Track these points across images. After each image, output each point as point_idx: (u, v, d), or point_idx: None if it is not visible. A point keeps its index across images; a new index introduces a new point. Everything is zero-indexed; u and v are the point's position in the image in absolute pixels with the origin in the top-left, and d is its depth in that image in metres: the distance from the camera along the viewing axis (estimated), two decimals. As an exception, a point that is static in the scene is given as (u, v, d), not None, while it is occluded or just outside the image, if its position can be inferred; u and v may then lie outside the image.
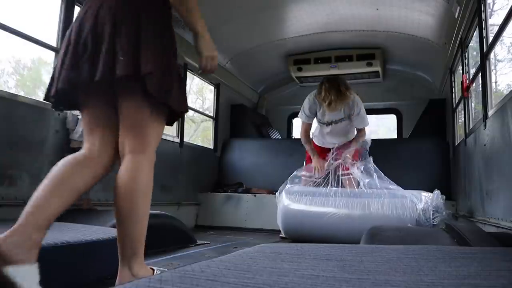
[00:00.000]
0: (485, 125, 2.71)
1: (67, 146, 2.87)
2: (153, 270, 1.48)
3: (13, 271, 1.11)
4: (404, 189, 3.12)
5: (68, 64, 1.37)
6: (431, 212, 2.81)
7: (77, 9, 2.99)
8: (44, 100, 1.52)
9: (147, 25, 1.40)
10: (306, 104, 3.50)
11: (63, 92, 1.41)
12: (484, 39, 2.76)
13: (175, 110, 1.47)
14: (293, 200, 3.20)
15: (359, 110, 3.38)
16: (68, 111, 2.78)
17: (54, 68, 1.46)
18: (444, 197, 2.94)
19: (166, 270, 1.40)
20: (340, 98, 3.22)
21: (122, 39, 1.35)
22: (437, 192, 2.94)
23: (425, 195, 2.94)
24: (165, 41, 1.45)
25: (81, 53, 1.37)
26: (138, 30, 1.38)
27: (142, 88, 1.35)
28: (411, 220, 2.82)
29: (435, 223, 2.79)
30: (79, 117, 2.73)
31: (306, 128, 3.61)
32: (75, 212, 2.71)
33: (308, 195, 3.20)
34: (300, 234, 3.14)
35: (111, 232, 1.74)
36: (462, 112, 3.75)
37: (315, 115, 3.52)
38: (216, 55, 1.55)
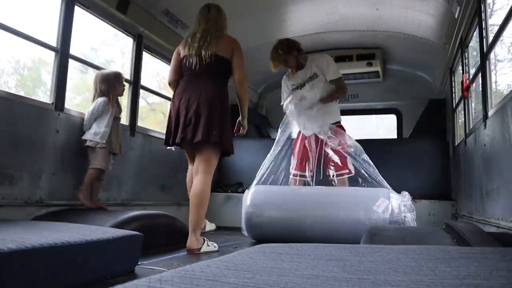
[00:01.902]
0: (485, 125, 2.71)
1: (67, 146, 2.88)
2: (204, 239, 2.56)
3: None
4: (403, 189, 3.09)
5: (180, 130, 2.53)
6: (398, 212, 2.78)
7: (77, 9, 2.99)
8: (165, 144, 2.69)
9: (226, 113, 2.59)
10: (282, 86, 3.70)
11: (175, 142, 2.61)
12: (484, 39, 2.75)
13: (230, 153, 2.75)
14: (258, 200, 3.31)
15: (325, 61, 3.48)
16: (86, 114, 2.97)
17: (168, 127, 2.67)
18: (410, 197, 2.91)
19: (166, 270, 1.40)
20: (283, 55, 3.52)
21: (214, 121, 2.50)
22: (405, 193, 2.94)
23: (393, 195, 2.89)
24: (229, 118, 2.64)
25: (187, 124, 2.52)
26: (223, 115, 2.55)
27: (223, 150, 2.64)
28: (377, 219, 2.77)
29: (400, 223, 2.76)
30: (106, 120, 2.94)
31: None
32: (75, 212, 2.71)
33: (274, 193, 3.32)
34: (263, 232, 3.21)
35: (111, 232, 1.74)
36: (462, 112, 3.74)
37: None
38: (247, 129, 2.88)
